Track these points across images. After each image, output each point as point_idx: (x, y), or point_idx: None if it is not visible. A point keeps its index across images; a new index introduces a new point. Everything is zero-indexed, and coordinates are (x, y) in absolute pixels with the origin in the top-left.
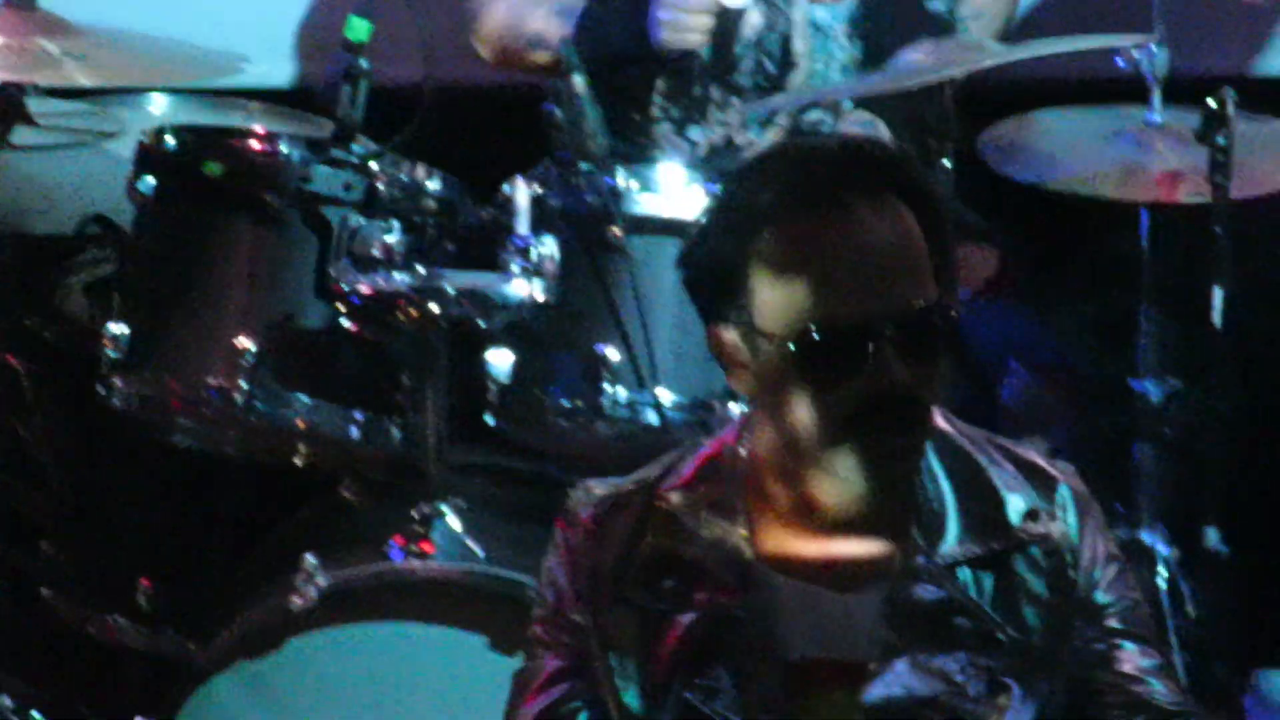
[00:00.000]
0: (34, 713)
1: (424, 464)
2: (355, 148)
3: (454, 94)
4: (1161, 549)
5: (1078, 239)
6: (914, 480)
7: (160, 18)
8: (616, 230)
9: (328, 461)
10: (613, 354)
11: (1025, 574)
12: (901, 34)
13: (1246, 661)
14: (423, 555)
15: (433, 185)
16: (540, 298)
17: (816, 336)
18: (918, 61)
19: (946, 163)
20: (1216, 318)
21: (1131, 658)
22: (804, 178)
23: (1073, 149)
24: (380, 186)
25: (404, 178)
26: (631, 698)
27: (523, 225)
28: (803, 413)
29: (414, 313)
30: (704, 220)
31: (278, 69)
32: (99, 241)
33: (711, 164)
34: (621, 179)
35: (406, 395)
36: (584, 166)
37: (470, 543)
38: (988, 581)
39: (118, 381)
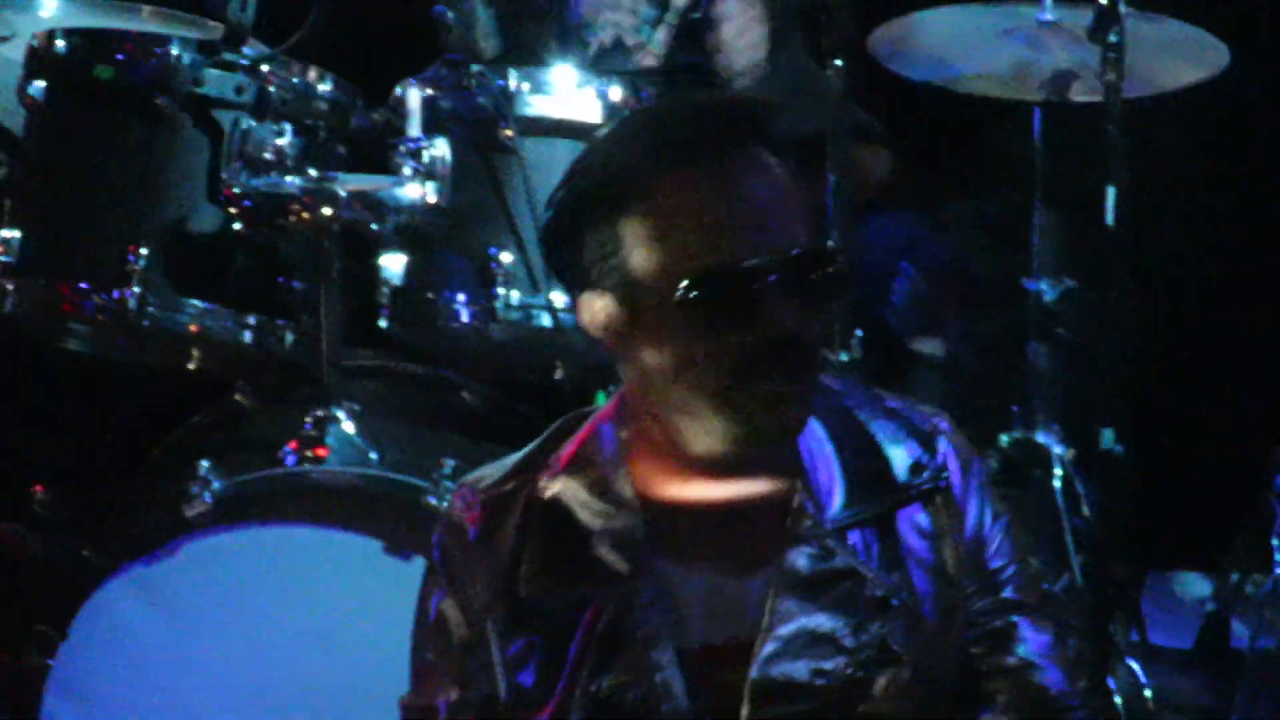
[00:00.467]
0: None
1: (318, 368)
2: (247, 51)
3: None
4: (1057, 449)
5: (970, 138)
6: (802, 428)
7: None
8: (508, 132)
9: (221, 367)
10: (506, 257)
11: (912, 534)
12: None
13: (1143, 562)
14: (317, 460)
15: (324, 88)
16: (433, 200)
17: (700, 288)
18: None
19: (839, 62)
20: (1110, 216)
21: (1027, 637)
22: (670, 136)
23: (965, 47)
24: (272, 89)
25: (295, 81)
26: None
27: (414, 128)
28: (690, 366)
29: (306, 216)
30: (562, 193)
31: None
32: None
33: (603, 65)
34: (513, 80)
35: (299, 299)
36: (475, 68)
37: (364, 447)
38: (875, 544)
39: (9, 286)
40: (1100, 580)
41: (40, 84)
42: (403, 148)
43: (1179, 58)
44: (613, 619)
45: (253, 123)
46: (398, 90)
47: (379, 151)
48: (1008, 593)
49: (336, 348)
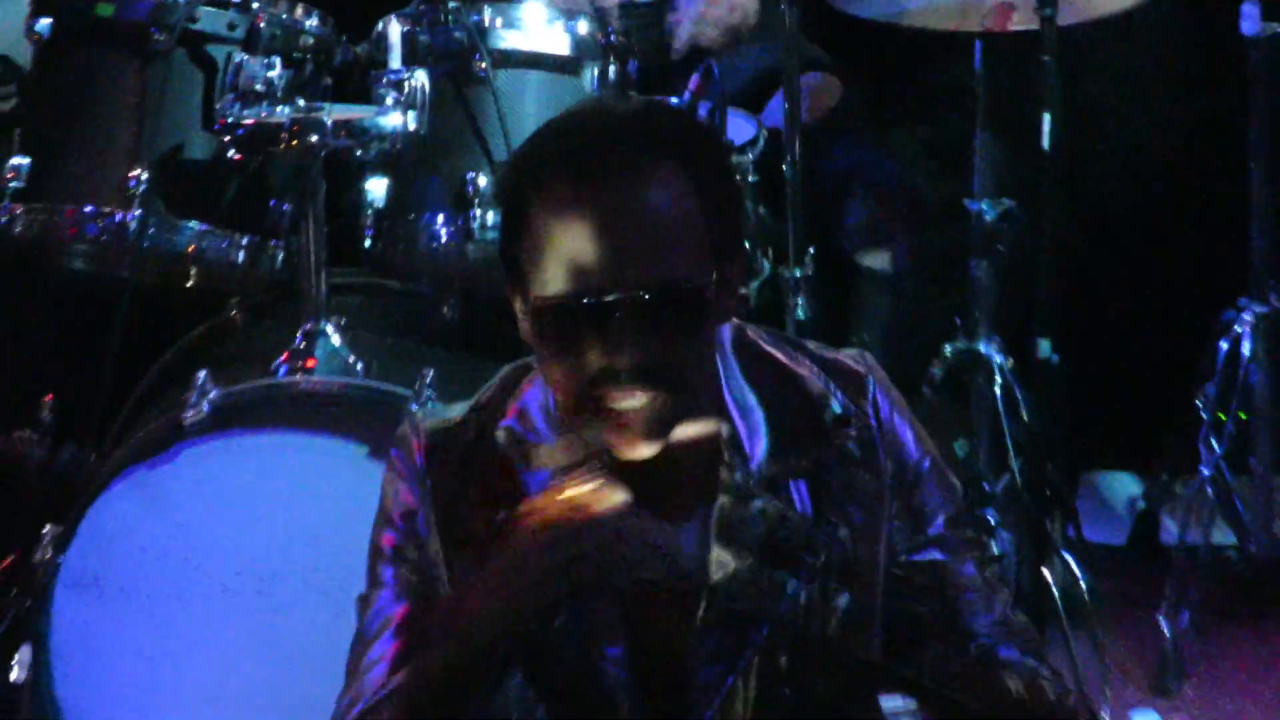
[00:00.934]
0: None
1: (306, 285)
2: None
3: None
4: (997, 358)
5: (915, 68)
6: (663, 437)
7: None
8: (482, 64)
9: (216, 284)
10: (481, 180)
11: (843, 478)
12: None
13: (1078, 463)
14: (306, 370)
15: (311, 23)
16: (412, 128)
17: (547, 316)
18: None
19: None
20: (1045, 141)
21: (950, 571)
22: (573, 150)
23: None
24: (261, 25)
25: (284, 17)
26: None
27: (395, 60)
28: (554, 375)
29: (295, 144)
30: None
31: None
32: (0, 80)
33: (572, 1)
34: (487, 16)
35: (289, 221)
36: (452, 4)
37: (350, 357)
38: (807, 490)
39: (18, 210)
40: (1037, 481)
41: (45, 22)
42: (384, 79)
43: None
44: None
45: (244, 57)
46: (379, 26)
47: (362, 83)
48: (934, 530)
49: (323, 266)
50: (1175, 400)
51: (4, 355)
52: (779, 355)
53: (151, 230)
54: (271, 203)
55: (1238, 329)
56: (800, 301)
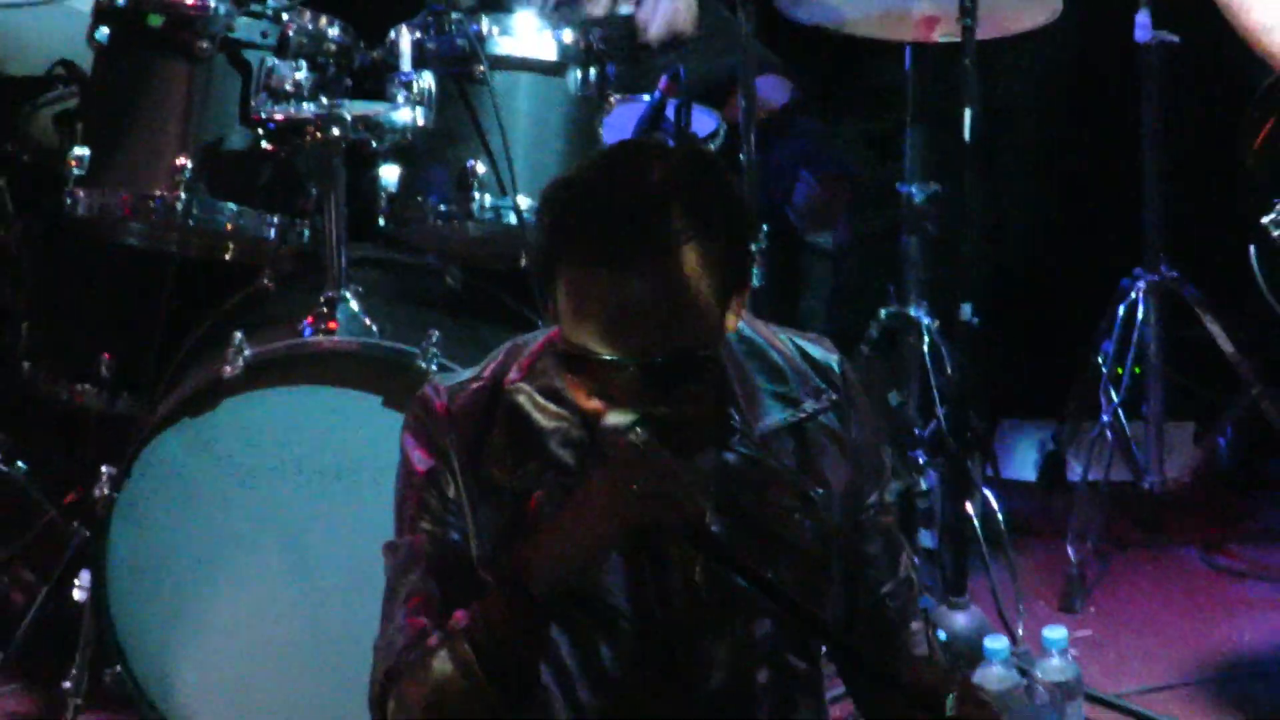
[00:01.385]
0: (19, 463)
1: (328, 258)
2: (270, 1)
3: None
4: (925, 320)
5: (854, 70)
6: (699, 421)
7: None
8: (481, 68)
9: (251, 257)
10: (480, 167)
11: (819, 441)
12: None
13: (995, 411)
14: (329, 332)
15: (333, 32)
16: (420, 123)
17: (577, 358)
18: None
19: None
20: (967, 133)
21: (868, 540)
22: (599, 231)
23: None
24: (291, 33)
25: (310, 26)
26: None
27: (406, 64)
28: (579, 396)
29: (319, 136)
30: (540, 200)
31: None
32: (64, 81)
33: (559, 13)
34: (485, 25)
35: (313, 203)
36: (455, 16)
37: (366, 321)
38: (793, 451)
39: (81, 194)
40: (960, 427)
41: (104, 30)
42: (396, 80)
43: (1021, 6)
44: (560, 498)
45: (276, 61)
46: (391, 34)
47: (377, 83)
48: (872, 499)
49: (343, 242)
50: (1079, 356)
51: (69, 319)
52: (761, 342)
53: (195, 211)
54: (298, 187)
55: (1132, 295)
56: (755, 272)
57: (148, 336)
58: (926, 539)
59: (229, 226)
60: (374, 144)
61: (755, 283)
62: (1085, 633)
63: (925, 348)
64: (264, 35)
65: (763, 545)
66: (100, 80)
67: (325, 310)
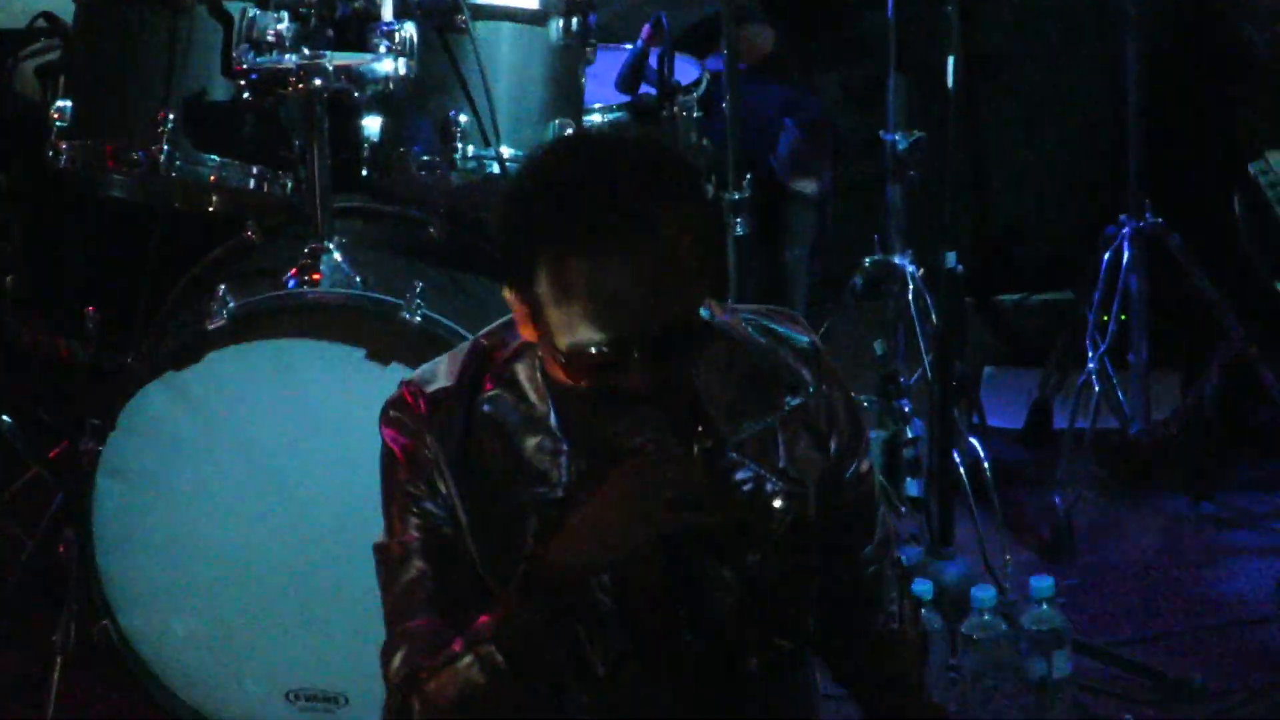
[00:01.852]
0: (4, 417)
1: (312, 210)
2: None
3: None
4: (909, 269)
5: (836, 19)
6: (689, 401)
7: None
8: (462, 17)
9: (234, 209)
10: (462, 118)
11: (795, 432)
12: None
13: (980, 359)
14: (313, 283)
15: None
16: (403, 73)
17: (578, 352)
18: None
19: None
20: (949, 80)
21: (850, 527)
22: (580, 218)
23: None
24: None
25: None
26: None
27: (388, 13)
28: (571, 388)
29: (301, 87)
30: (506, 204)
31: None
32: (46, 34)
33: None
34: None
35: (296, 154)
36: None
37: (350, 272)
38: (767, 451)
39: (64, 146)
40: (945, 375)
41: None
42: (378, 30)
43: None
44: (546, 509)
45: (257, 11)
46: None
47: (359, 34)
48: (850, 473)
49: (327, 193)
50: (1064, 304)
51: (54, 273)
52: (736, 335)
53: (178, 163)
54: (281, 138)
55: (1117, 242)
56: (739, 220)
57: (133, 289)
58: (913, 488)
59: (212, 178)
60: (356, 94)
61: (740, 231)
62: (1072, 581)
63: (910, 296)
64: None
65: (744, 540)
66: (82, 32)
67: (309, 262)
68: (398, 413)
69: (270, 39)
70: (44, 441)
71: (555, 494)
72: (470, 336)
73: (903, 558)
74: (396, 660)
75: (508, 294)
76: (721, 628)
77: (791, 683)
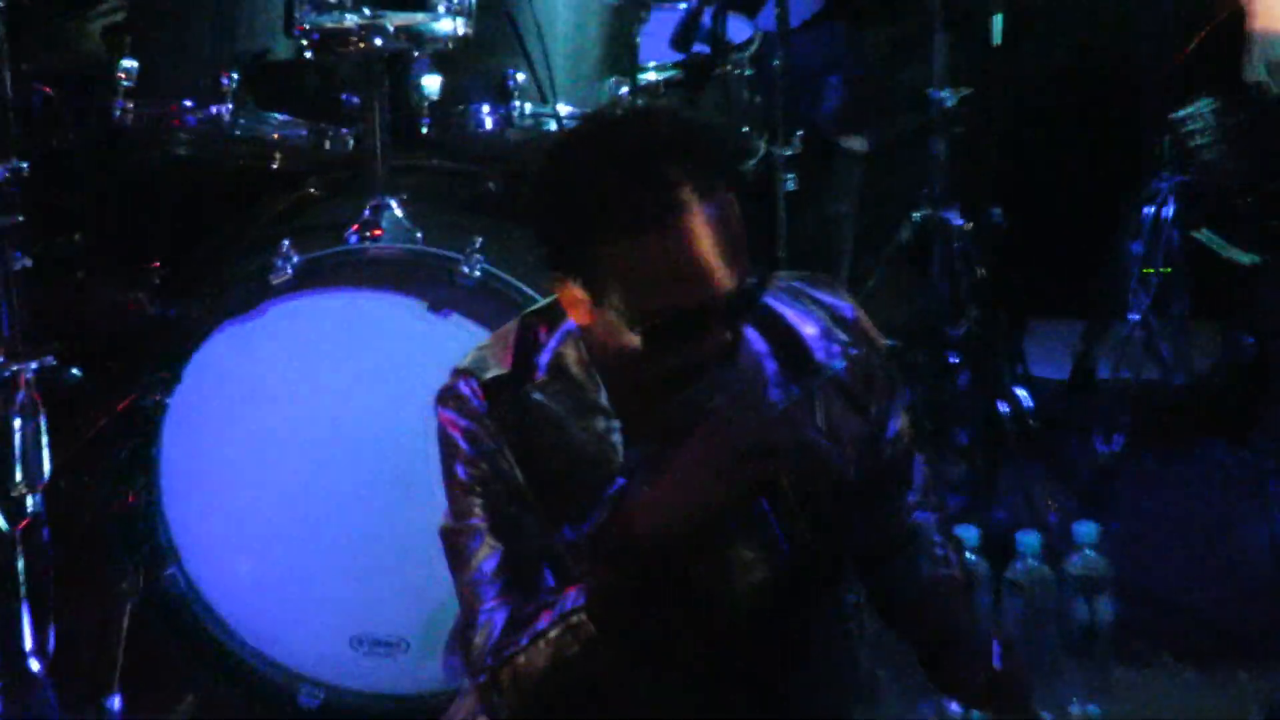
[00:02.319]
0: (75, 370)
1: (372, 166)
2: None
3: None
4: (957, 222)
5: None
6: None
7: None
8: None
9: (296, 166)
10: (520, 76)
11: (834, 398)
12: None
13: (1024, 310)
14: (374, 238)
15: None
16: (461, 32)
17: (653, 322)
18: None
19: None
20: (996, 38)
21: (907, 481)
22: (649, 185)
23: None
24: None
25: None
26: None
27: None
28: (638, 364)
29: (362, 45)
30: (551, 179)
31: None
32: None
33: None
34: None
35: (357, 111)
36: None
37: (411, 227)
38: (808, 407)
39: (130, 105)
40: (992, 326)
41: None
42: None
43: None
44: (597, 493)
45: None
46: None
47: None
48: (891, 431)
49: (387, 149)
50: (1108, 257)
51: (121, 227)
52: (775, 304)
53: (242, 121)
54: (343, 96)
55: (1161, 195)
56: (789, 176)
57: (198, 244)
58: (961, 437)
59: (275, 136)
60: (415, 53)
61: (790, 186)
62: (1114, 527)
63: (956, 249)
64: None
65: (806, 494)
66: None
67: (370, 217)
68: (456, 401)
69: None
70: (113, 393)
71: (614, 470)
72: (527, 290)
73: (949, 504)
74: (478, 640)
75: (560, 284)
76: (744, 605)
77: (830, 639)
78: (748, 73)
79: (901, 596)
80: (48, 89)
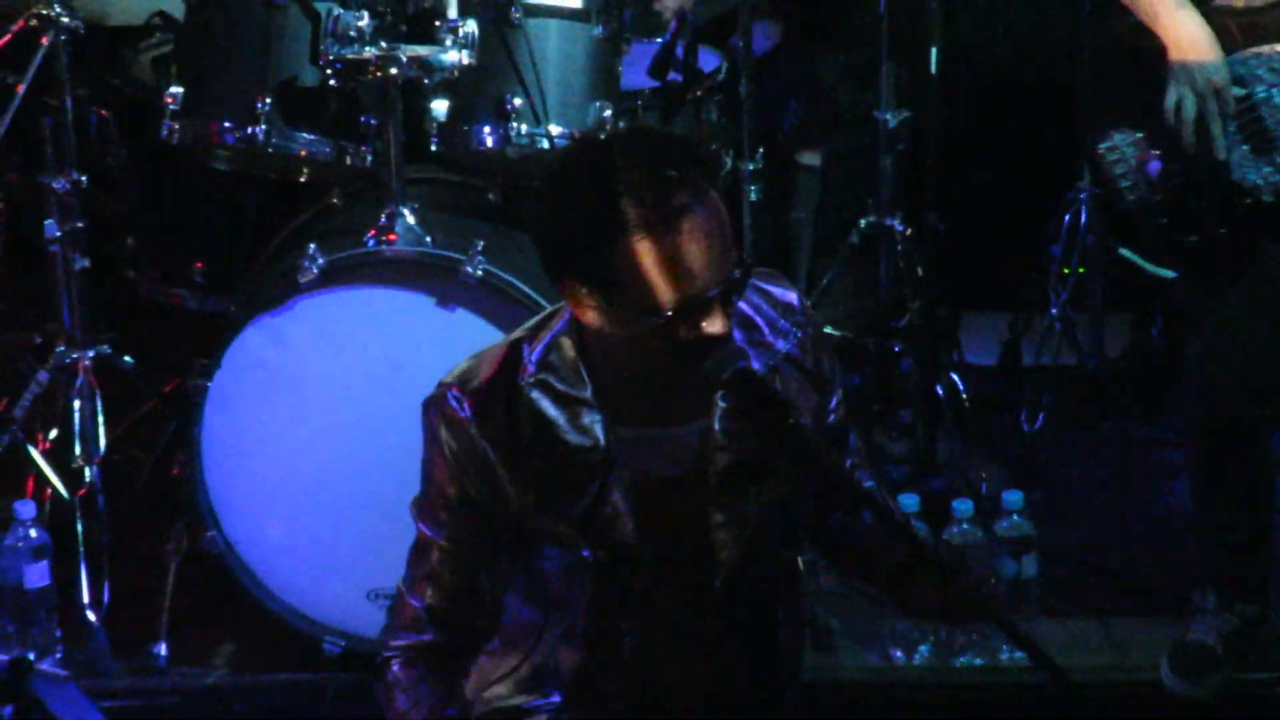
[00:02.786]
0: (126, 357)
1: (388, 178)
2: None
3: None
4: (898, 228)
5: (835, 10)
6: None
7: None
8: (516, 14)
9: (322, 179)
10: (516, 100)
11: (790, 376)
12: None
13: (959, 305)
14: (389, 242)
15: None
16: (466, 62)
17: (673, 312)
18: None
19: None
20: (933, 66)
21: (849, 446)
22: (654, 190)
23: None
24: None
25: None
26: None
27: (453, 11)
28: (651, 351)
29: (379, 74)
30: (561, 190)
31: None
32: (161, 29)
33: None
34: None
35: (375, 131)
36: None
37: (421, 232)
38: (771, 383)
39: (176, 126)
40: (929, 318)
41: None
42: (445, 26)
43: None
44: (585, 480)
45: (341, 10)
46: None
47: (428, 29)
48: (833, 404)
49: (400, 164)
50: (1031, 259)
51: (166, 232)
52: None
53: (274, 139)
54: (362, 118)
55: (1076, 205)
56: (753, 188)
57: (234, 247)
58: (904, 416)
59: (303, 153)
60: (426, 80)
61: (754, 197)
62: (1038, 495)
63: (899, 251)
64: None
65: (788, 455)
66: (191, 28)
67: (386, 223)
68: (441, 413)
69: (352, 33)
70: (160, 378)
71: (598, 456)
72: (523, 287)
73: (889, 474)
74: (391, 618)
75: (570, 289)
76: (723, 561)
77: (791, 595)
78: (716, 97)
79: (860, 541)
80: (104, 111)
